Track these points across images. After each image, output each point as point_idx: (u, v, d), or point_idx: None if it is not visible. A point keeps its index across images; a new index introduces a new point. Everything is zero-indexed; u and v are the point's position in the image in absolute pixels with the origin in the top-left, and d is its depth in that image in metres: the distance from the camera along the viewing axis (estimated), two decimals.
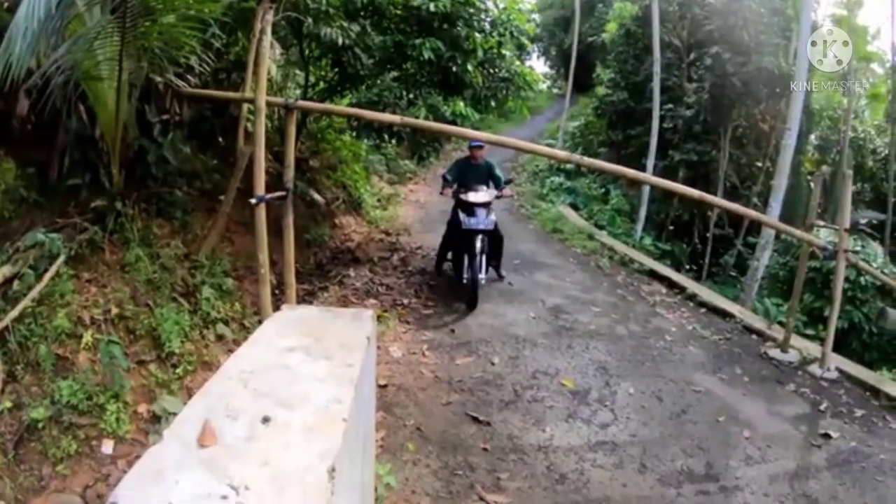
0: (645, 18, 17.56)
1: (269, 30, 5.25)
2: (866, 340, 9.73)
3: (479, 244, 7.77)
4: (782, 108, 14.57)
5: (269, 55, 6.46)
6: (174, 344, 5.09)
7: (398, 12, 9.30)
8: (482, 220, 7.88)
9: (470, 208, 7.99)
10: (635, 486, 4.46)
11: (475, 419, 5.10)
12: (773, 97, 15.59)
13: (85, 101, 5.59)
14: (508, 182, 8.88)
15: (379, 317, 6.92)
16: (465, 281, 7.83)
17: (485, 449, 4.69)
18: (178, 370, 5.06)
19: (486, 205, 8.07)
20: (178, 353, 5.13)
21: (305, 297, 7.48)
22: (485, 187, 8.29)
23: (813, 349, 7.29)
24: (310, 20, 7.79)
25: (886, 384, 6.41)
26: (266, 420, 1.75)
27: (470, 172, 8.45)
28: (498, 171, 8.69)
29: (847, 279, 8.85)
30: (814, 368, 6.81)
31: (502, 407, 5.39)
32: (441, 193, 8.74)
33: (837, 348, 7.43)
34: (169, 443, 1.65)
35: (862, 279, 9.53)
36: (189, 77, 6.35)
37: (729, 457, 4.92)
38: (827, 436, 5.36)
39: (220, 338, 5.64)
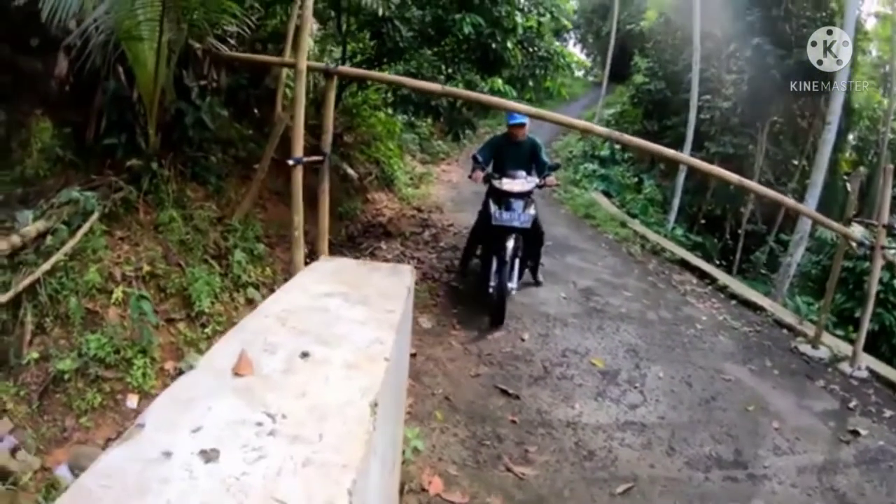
0: (685, 7, 17.35)
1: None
2: None
3: (511, 245, 6.41)
4: (822, 105, 14.37)
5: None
6: (204, 304, 5.10)
7: None
8: (518, 216, 6.47)
9: (504, 199, 6.62)
10: (663, 467, 4.42)
11: (504, 392, 5.07)
12: (812, 93, 15.36)
13: (124, 62, 5.59)
14: (555, 168, 7.37)
15: None
16: (490, 289, 6.47)
17: (513, 421, 4.66)
18: (207, 330, 5.06)
19: (525, 195, 6.67)
20: (208, 313, 5.14)
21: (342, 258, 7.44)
22: (524, 173, 6.85)
23: (843, 347, 7.23)
24: None
25: None
26: (305, 355, 1.72)
27: (508, 153, 7.09)
28: (544, 155, 7.31)
29: (880, 281, 8.59)
30: (844, 366, 6.76)
31: (531, 382, 5.36)
32: (470, 177, 7.13)
33: (866, 351, 7.33)
34: (202, 372, 1.62)
35: (895, 282, 9.32)
36: (229, 41, 6.33)
37: (758, 446, 4.88)
38: (856, 433, 5.32)
39: (249, 301, 5.63)
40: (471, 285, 7.51)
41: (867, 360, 6.95)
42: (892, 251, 7.95)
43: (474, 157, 7.10)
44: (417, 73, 8.57)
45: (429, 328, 6.16)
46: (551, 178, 7.06)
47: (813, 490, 4.38)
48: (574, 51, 38.33)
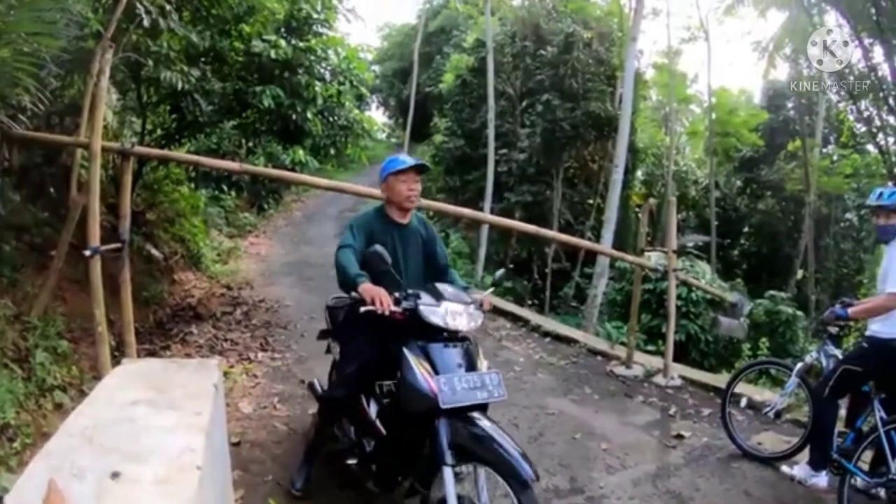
0: (480, 69, 18.45)
1: (107, 70, 5.07)
2: (704, 349, 10.62)
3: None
4: (609, 148, 15.79)
5: (106, 100, 6.18)
6: (9, 415, 4.67)
7: (239, 59, 9.18)
8: (487, 382, 3.27)
9: (433, 344, 3.38)
10: None
11: None
12: (600, 139, 16.87)
13: None
14: (499, 283, 4.83)
15: (225, 373, 6.62)
16: None
17: None
18: (16, 444, 4.62)
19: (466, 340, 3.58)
20: (15, 424, 4.69)
21: (147, 358, 7.00)
22: (458, 290, 3.71)
23: (656, 362, 7.87)
24: (150, 63, 7.43)
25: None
26: (115, 475, 1.70)
27: (395, 245, 3.91)
28: (440, 246, 4.48)
29: (679, 296, 9.78)
30: (658, 379, 7.41)
31: None
32: (359, 310, 3.35)
33: (679, 360, 8.14)
34: None
35: (693, 295, 10.39)
36: (20, 118, 5.94)
37: (591, 469, 5.13)
38: (680, 436, 5.84)
39: (58, 406, 5.21)
40: (287, 358, 7.06)
41: (678, 369, 7.68)
42: (683, 271, 8.88)
43: (348, 252, 3.66)
44: (218, 148, 8.55)
45: (250, 412, 5.86)
46: (488, 298, 3.86)
47: (650, 497, 4.70)
48: (376, 114, 39.23)
